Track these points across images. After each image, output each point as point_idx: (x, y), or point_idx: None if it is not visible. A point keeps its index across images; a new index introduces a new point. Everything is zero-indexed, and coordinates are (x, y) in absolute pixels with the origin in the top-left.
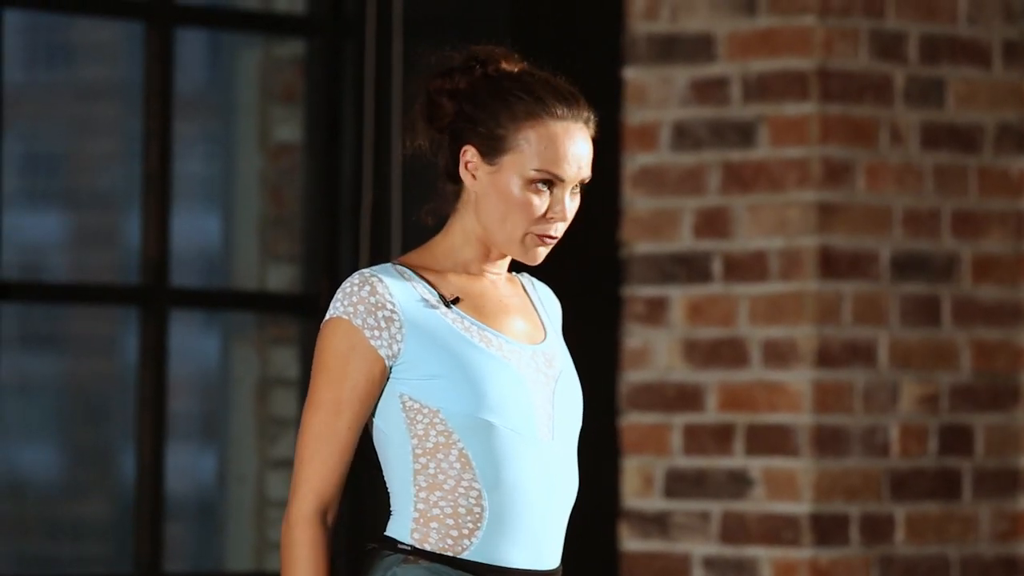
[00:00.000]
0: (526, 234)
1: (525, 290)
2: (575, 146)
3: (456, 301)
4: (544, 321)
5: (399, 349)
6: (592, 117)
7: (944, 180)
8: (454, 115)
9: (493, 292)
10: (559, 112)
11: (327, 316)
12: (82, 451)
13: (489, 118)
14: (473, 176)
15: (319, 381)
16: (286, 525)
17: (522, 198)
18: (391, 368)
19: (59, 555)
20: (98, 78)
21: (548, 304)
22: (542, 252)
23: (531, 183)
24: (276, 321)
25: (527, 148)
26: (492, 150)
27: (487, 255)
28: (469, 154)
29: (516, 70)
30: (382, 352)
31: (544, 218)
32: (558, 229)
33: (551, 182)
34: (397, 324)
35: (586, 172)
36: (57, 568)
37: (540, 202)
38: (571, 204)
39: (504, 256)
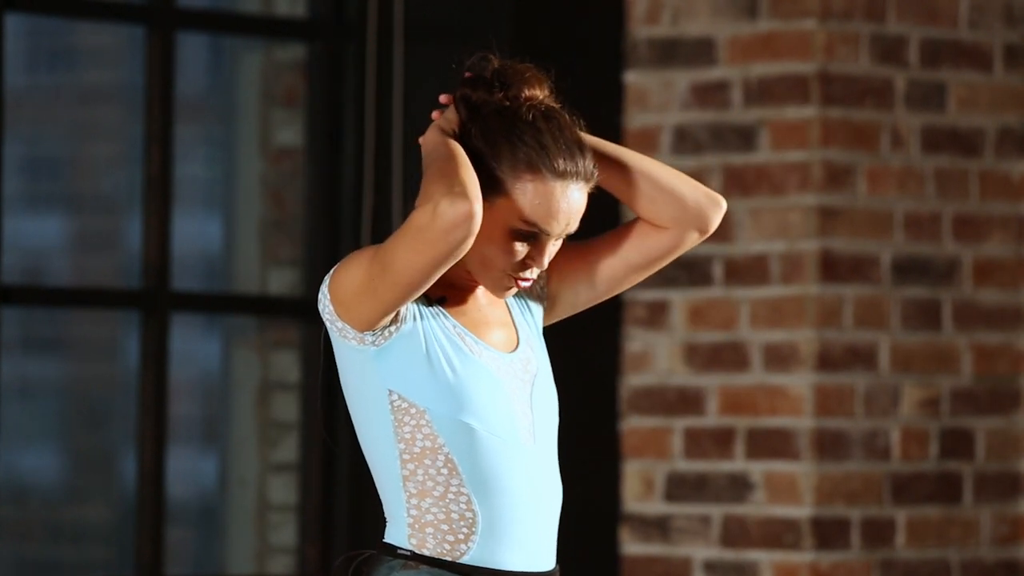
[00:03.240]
0: (500, 273)
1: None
2: (569, 204)
3: (441, 300)
4: (519, 329)
5: (399, 328)
6: (595, 173)
7: (945, 184)
8: (461, 128)
9: (474, 302)
10: (560, 168)
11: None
12: (83, 455)
13: (492, 157)
14: None
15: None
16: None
17: (504, 243)
18: (384, 332)
19: (60, 559)
20: (100, 82)
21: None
22: (511, 292)
23: (517, 231)
24: (277, 325)
25: (521, 199)
26: (488, 189)
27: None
28: None
29: (534, 105)
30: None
31: (522, 263)
32: (533, 272)
33: (536, 234)
34: (411, 308)
35: (574, 227)
36: (58, 572)
37: (521, 249)
38: (551, 250)
39: None
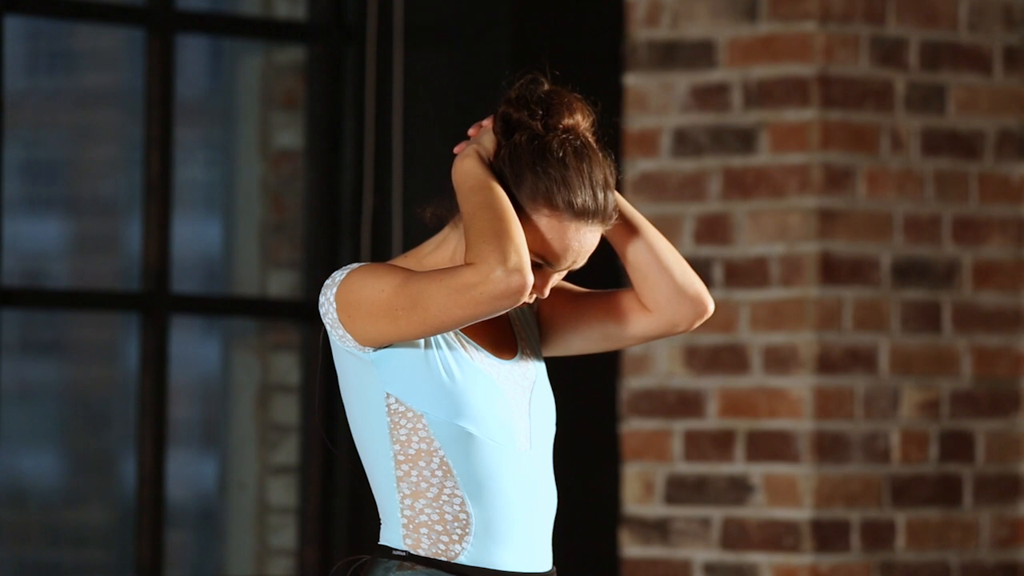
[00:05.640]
0: None
1: None
2: (580, 244)
3: None
4: (518, 337)
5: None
6: (614, 215)
7: (945, 186)
8: (496, 148)
9: None
10: (578, 207)
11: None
12: (83, 457)
13: (514, 184)
14: None
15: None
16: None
17: None
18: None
19: (60, 562)
20: (99, 84)
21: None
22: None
23: None
24: (277, 327)
25: (534, 230)
26: None
27: None
28: None
29: (568, 140)
30: None
31: None
32: (532, 296)
33: (542, 265)
34: None
35: (580, 263)
36: (58, 574)
37: None
38: (554, 280)
39: None
